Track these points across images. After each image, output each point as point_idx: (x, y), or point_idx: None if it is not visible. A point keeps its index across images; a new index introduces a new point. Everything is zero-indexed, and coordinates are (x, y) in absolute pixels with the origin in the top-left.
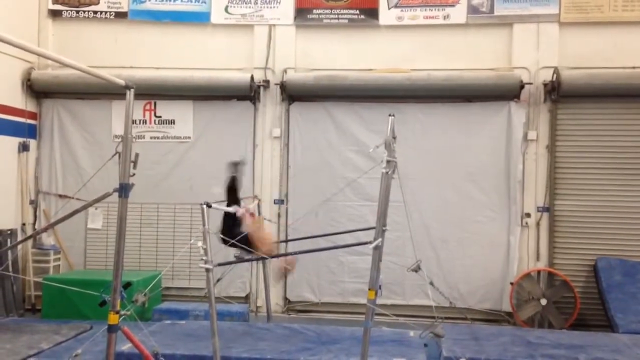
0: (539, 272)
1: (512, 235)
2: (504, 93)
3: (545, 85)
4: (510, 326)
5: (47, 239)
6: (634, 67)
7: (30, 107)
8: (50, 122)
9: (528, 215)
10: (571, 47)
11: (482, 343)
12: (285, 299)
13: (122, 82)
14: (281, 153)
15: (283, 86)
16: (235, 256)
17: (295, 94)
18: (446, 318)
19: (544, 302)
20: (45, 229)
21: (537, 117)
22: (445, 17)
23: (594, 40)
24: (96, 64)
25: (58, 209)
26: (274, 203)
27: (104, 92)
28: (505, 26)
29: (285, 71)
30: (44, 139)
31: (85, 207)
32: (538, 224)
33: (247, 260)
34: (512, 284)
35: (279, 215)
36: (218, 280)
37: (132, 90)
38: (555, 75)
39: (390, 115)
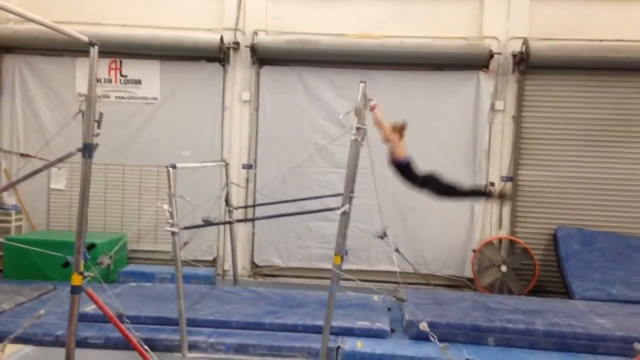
0: (500, 239)
1: (476, 204)
2: (474, 62)
3: (514, 56)
4: (471, 292)
5: (9, 199)
6: (601, 40)
7: None
8: (11, 79)
9: (492, 184)
10: (541, 18)
11: (444, 307)
12: (252, 263)
13: (85, 38)
14: (250, 117)
15: (253, 49)
16: (202, 219)
17: (265, 57)
18: (410, 283)
19: (504, 269)
20: (5, 188)
21: (505, 87)
22: None
23: (564, 13)
24: (60, 20)
25: (19, 168)
26: (243, 168)
27: (68, 48)
28: None
29: (255, 33)
30: (5, 96)
31: (47, 167)
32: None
33: (214, 224)
34: (474, 251)
35: (247, 181)
36: (185, 244)
37: (96, 47)
38: (524, 46)
39: (361, 81)
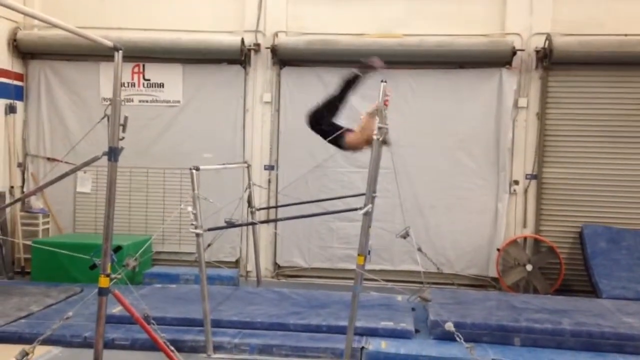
0: (525, 238)
1: (500, 202)
2: (496, 59)
3: (537, 52)
4: (496, 291)
5: (36, 202)
6: (626, 35)
7: (17, 68)
8: (37, 84)
9: (516, 182)
10: (564, 13)
11: (468, 307)
12: (275, 264)
13: (110, 43)
14: (272, 118)
15: (274, 50)
16: (225, 221)
17: (286, 59)
18: (433, 283)
19: (529, 267)
20: (33, 192)
21: (528, 84)
22: None
23: (587, 7)
24: (83, 25)
25: (46, 172)
26: (264, 169)
27: (92, 53)
28: None
29: (276, 35)
30: (31, 101)
31: (73, 171)
32: (526, 191)
33: (237, 226)
34: (498, 250)
35: (269, 181)
36: (209, 246)
37: (121, 51)
38: (547, 42)
39: (382, 81)
